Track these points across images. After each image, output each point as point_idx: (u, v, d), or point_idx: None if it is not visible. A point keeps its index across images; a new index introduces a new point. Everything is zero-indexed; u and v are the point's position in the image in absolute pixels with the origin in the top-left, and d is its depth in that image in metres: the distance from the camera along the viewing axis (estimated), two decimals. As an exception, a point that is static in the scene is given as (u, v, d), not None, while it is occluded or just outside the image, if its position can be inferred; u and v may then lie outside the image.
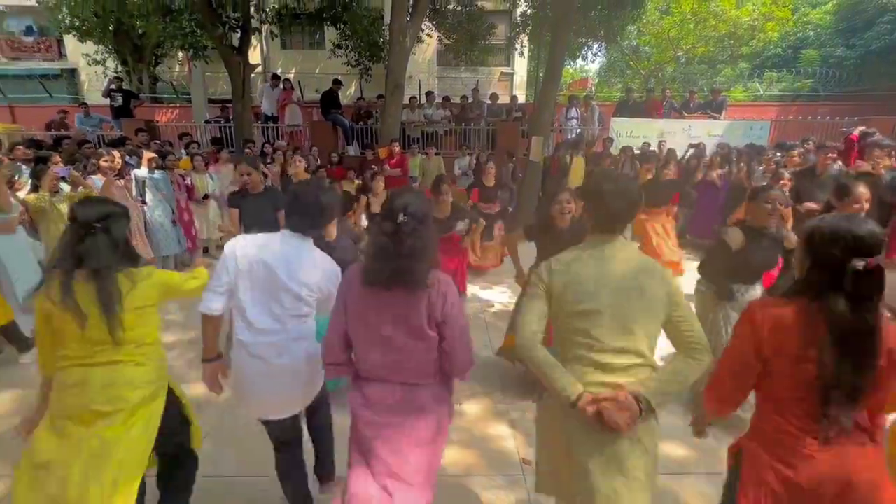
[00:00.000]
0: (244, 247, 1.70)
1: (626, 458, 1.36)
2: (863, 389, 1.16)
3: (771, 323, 1.23)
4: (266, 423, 1.86)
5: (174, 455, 1.83)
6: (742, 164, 6.54)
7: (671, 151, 7.73)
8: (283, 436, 1.90)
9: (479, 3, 12.68)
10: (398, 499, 1.44)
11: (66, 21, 11.42)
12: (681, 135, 9.04)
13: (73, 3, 10.94)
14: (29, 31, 16.94)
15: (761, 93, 16.07)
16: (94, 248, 1.51)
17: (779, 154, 6.37)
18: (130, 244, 1.66)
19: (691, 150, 7.63)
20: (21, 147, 5.43)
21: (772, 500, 1.24)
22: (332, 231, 2.24)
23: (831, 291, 1.17)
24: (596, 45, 14.36)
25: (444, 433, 1.61)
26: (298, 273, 1.69)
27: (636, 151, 7.77)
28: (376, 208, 4.04)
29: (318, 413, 2.07)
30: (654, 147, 8.18)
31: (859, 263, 1.12)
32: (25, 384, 3.16)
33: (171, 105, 12.50)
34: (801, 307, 1.21)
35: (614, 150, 8.27)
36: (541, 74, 10.86)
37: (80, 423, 1.52)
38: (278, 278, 1.68)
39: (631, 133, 9.14)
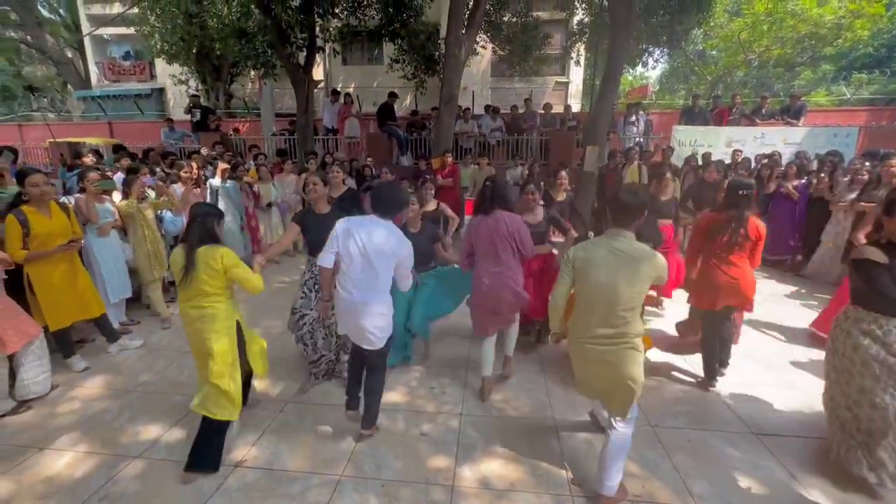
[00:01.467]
0: (348, 225, 2.46)
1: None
2: (740, 244, 2.98)
3: (708, 221, 3.14)
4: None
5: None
6: (823, 175, 5.97)
7: (746, 160, 7.21)
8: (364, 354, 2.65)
9: (535, 14, 12.65)
10: (507, 312, 3.07)
11: (158, 46, 12.75)
12: (752, 143, 8.42)
13: (164, 30, 12.21)
14: (127, 55, 19.09)
15: (848, 96, 14.60)
16: (192, 230, 2.41)
17: (867, 163, 5.73)
18: (214, 230, 2.45)
19: (764, 160, 7.08)
20: (126, 159, 6.17)
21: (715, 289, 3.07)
22: (417, 224, 3.39)
23: (732, 206, 3.01)
24: (658, 51, 13.77)
25: (521, 286, 3.03)
26: (382, 244, 2.42)
27: (699, 162, 7.32)
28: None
29: (374, 372, 2.67)
30: (720, 156, 7.67)
31: (743, 191, 2.99)
32: (113, 370, 3.52)
33: (243, 119, 13.52)
34: (721, 214, 3.07)
35: (675, 160, 7.84)
36: (597, 83, 10.60)
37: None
38: (370, 247, 2.40)
39: (695, 142, 8.65)
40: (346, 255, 2.40)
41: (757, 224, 3.01)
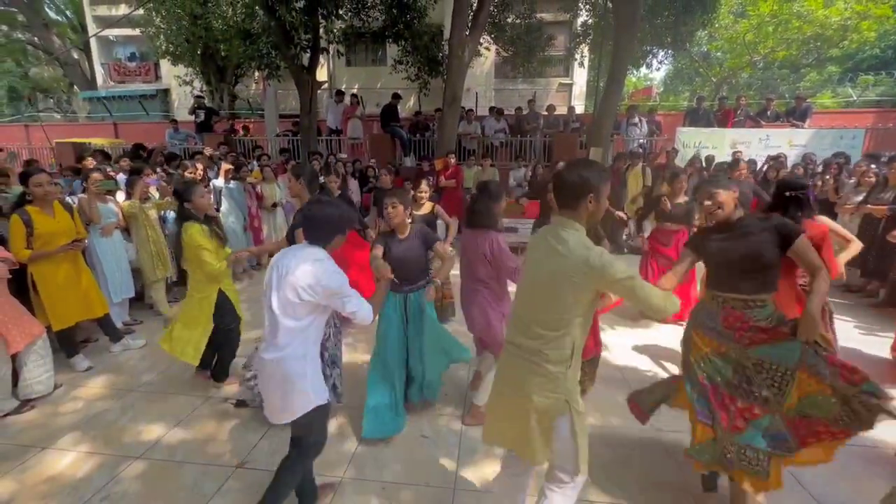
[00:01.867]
0: (276, 258, 1.89)
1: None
2: None
3: None
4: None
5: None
6: (829, 177, 5.94)
7: (751, 162, 7.17)
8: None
9: (539, 15, 12.63)
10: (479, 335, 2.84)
11: (163, 47, 12.82)
12: (757, 145, 8.39)
13: (169, 32, 12.28)
14: (132, 57, 19.21)
15: (854, 98, 14.51)
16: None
17: (873, 165, 5.68)
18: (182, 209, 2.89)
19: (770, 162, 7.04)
20: (126, 159, 6.18)
21: None
22: (405, 229, 2.68)
23: (780, 208, 2.51)
24: (662, 53, 13.72)
25: (496, 308, 2.70)
26: (289, 276, 1.76)
27: (703, 164, 7.28)
28: (421, 210, 3.82)
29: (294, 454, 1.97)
30: (725, 159, 7.64)
31: (791, 192, 2.52)
32: (116, 370, 3.53)
33: (247, 120, 13.57)
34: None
35: (679, 162, 7.81)
36: (601, 84, 10.58)
37: None
38: (277, 281, 1.80)
39: (699, 144, 8.61)
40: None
41: (817, 225, 2.59)
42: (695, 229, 4.25)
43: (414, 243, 2.67)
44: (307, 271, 1.75)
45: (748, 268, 2.01)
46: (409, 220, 2.70)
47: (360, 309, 1.87)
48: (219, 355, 3.23)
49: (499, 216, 2.78)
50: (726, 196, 2.07)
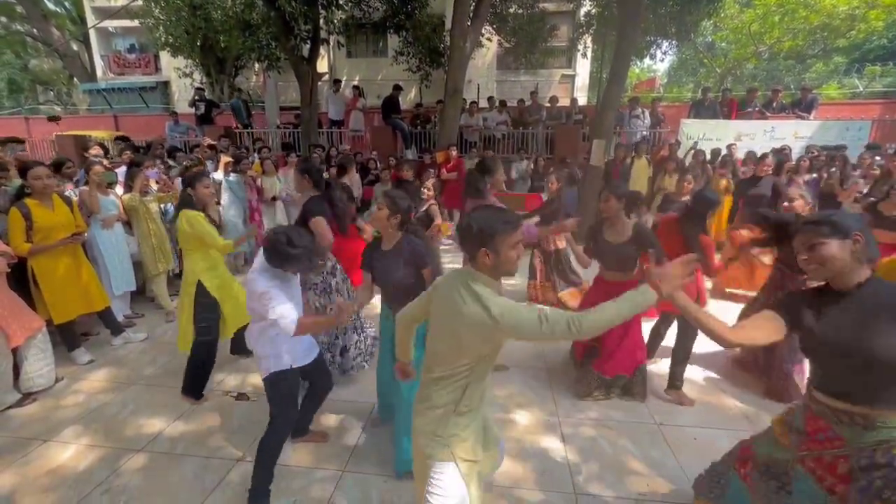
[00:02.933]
0: None
1: None
2: None
3: None
4: None
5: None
6: (834, 169, 5.87)
7: (751, 154, 7.08)
8: None
9: (541, 5, 12.47)
10: None
11: (162, 39, 12.71)
12: (762, 137, 8.28)
13: (169, 23, 12.16)
14: (132, 48, 19.07)
15: (861, 89, 14.34)
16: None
17: (878, 157, 5.62)
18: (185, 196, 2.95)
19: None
20: (128, 152, 6.16)
21: None
22: (392, 237, 2.24)
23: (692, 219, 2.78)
24: (666, 43, 13.52)
25: None
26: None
27: (707, 157, 7.20)
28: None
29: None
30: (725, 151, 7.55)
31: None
32: (117, 363, 3.54)
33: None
34: None
35: (681, 154, 7.72)
36: (604, 76, 10.46)
37: None
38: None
39: (703, 136, 8.51)
40: None
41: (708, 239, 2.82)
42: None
43: (397, 261, 2.15)
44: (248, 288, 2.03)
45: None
46: (397, 230, 2.19)
47: (282, 318, 1.93)
48: (190, 365, 2.96)
49: (489, 187, 3.19)
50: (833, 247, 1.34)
